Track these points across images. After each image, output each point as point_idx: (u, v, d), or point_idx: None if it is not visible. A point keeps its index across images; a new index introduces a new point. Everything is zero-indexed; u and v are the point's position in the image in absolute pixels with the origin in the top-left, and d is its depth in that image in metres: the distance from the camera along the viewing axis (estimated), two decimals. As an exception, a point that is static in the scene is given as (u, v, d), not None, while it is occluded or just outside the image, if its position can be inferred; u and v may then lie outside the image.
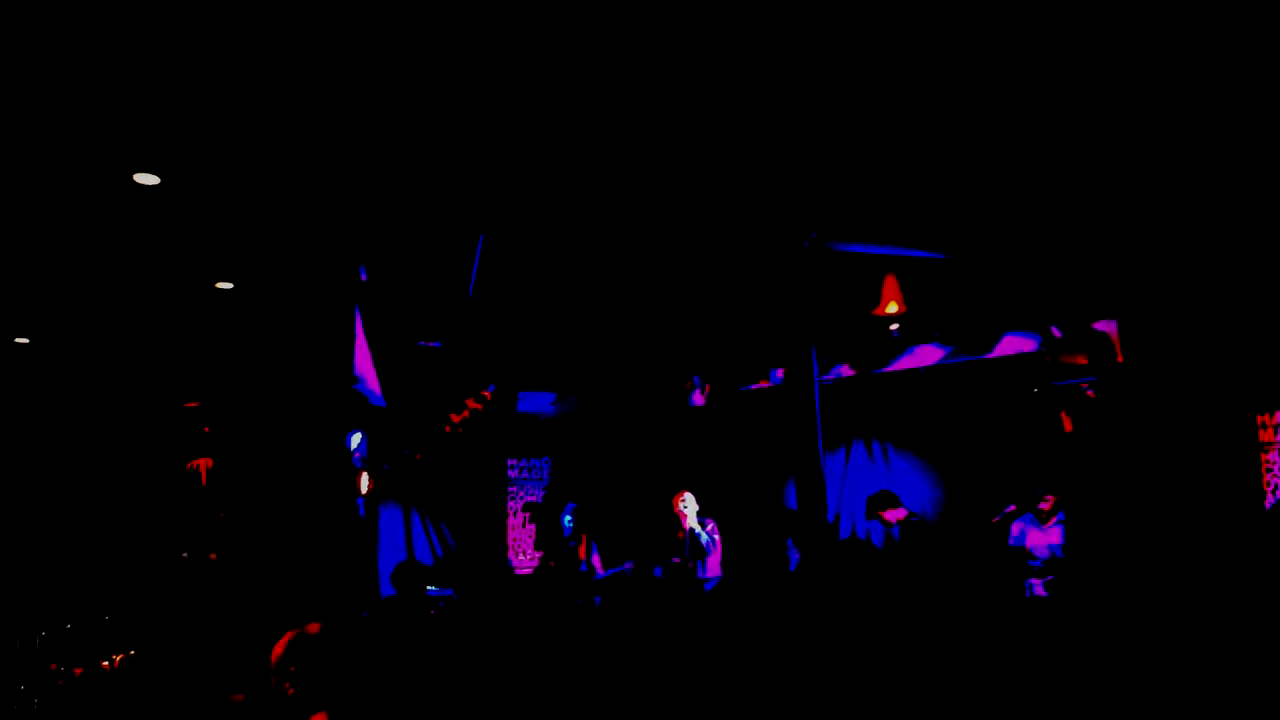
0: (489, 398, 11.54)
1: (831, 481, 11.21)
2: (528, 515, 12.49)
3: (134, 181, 6.67)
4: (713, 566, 9.63)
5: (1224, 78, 5.50)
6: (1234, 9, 4.92)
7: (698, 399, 11.82)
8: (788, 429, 7.84)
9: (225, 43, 5.13)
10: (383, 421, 9.12)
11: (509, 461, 12.54)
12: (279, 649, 4.04)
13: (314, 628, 4.04)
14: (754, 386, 11.59)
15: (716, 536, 9.85)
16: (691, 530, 9.66)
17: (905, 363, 10.58)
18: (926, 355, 10.50)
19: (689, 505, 9.81)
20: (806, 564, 7.24)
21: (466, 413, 11.61)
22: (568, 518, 10.10)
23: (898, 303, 9.48)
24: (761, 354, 11.06)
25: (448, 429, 11.59)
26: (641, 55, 5.31)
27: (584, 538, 9.98)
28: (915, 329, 10.04)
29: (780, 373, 10.94)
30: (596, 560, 10.09)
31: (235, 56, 5.27)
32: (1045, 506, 8.85)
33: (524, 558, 12.57)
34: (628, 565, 9.98)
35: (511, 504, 12.55)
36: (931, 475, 10.95)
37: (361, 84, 5.57)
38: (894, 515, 9.73)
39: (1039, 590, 8.71)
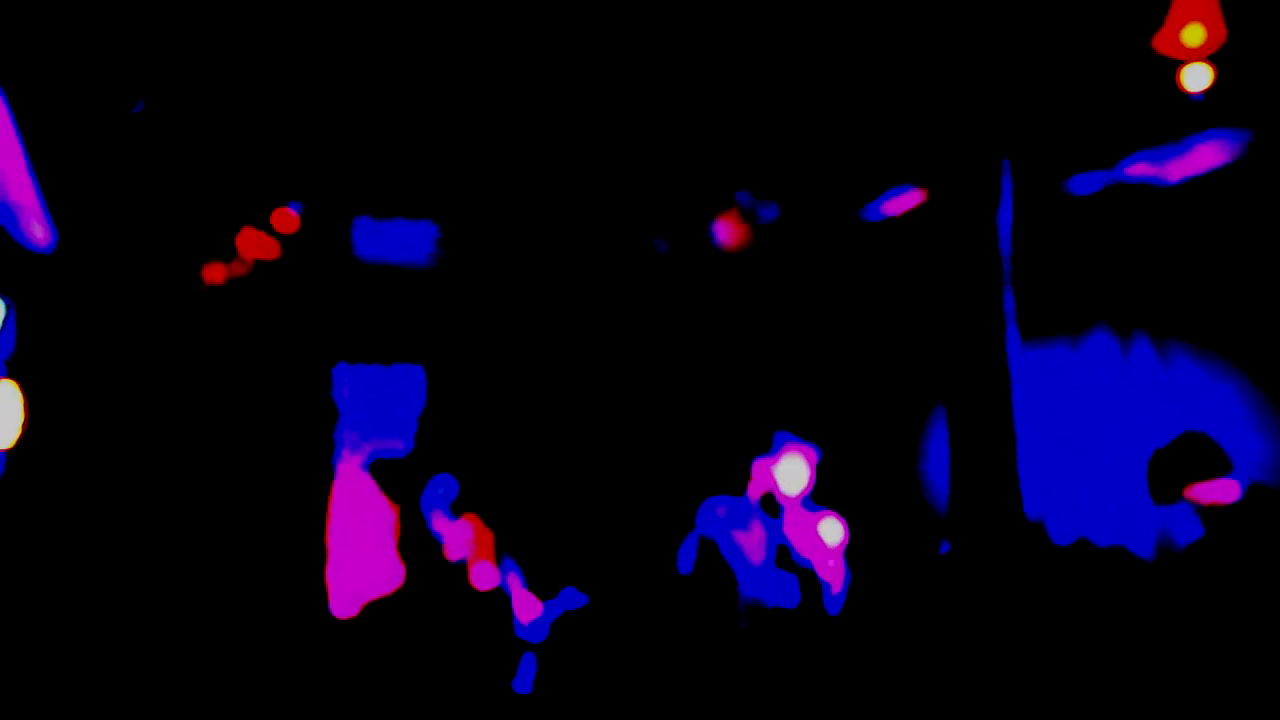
0: (292, 228, 6.94)
1: (1035, 417, 6.54)
2: (379, 487, 7.85)
3: None
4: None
5: None
6: None
7: (724, 234, 7.50)
8: (931, 307, 6.08)
9: None
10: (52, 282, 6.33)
11: (340, 372, 7.86)
12: None
13: None
14: (872, 213, 7.12)
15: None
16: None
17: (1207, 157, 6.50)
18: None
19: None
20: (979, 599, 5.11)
21: (243, 262, 6.96)
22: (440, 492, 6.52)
23: (1206, 25, 5.69)
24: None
25: (198, 297, 6.95)
26: None
27: (483, 532, 6.39)
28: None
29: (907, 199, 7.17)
30: (514, 584, 6.43)
31: None
32: None
33: (366, 579, 7.71)
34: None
35: (345, 459, 7.92)
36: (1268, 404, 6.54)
37: None
38: (1216, 491, 5.53)
39: None
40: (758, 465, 5.93)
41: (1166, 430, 6.57)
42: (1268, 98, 5.75)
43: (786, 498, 5.85)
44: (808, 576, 5.79)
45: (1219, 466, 5.58)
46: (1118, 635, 5.53)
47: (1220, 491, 5.61)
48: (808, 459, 6.02)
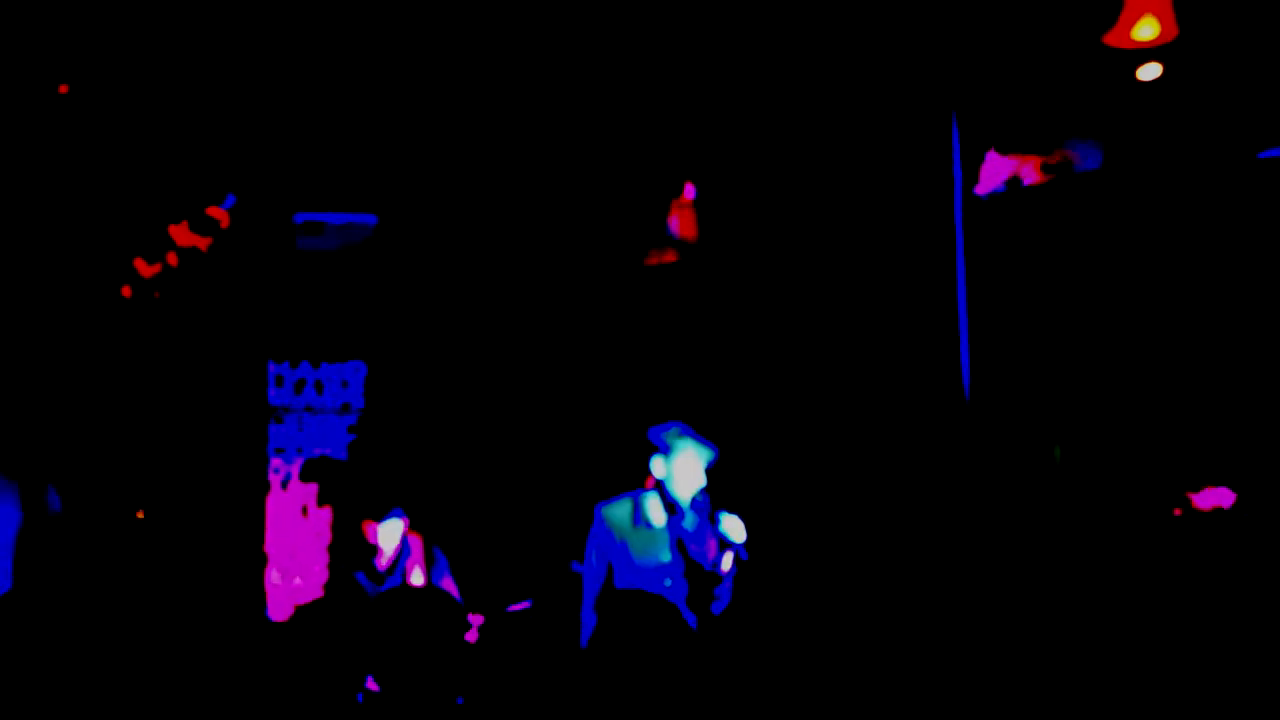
0: (223, 222, 6.68)
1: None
2: (313, 488, 7.66)
3: None
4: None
5: None
6: None
7: (677, 225, 7.11)
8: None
9: None
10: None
11: (273, 369, 7.71)
12: None
13: None
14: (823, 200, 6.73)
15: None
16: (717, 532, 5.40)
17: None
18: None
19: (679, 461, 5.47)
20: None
21: (172, 257, 6.70)
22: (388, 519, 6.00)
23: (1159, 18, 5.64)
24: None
25: (127, 292, 6.68)
26: None
27: (417, 541, 6.08)
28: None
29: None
30: (448, 586, 6.12)
31: None
32: None
33: (303, 580, 7.65)
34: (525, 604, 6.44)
35: (279, 462, 7.69)
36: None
37: None
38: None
39: None
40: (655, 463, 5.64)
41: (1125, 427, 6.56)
42: (1216, 90, 5.72)
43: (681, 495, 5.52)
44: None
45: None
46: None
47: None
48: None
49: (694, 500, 5.33)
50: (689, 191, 6.72)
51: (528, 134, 6.79)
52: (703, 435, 5.40)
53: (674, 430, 5.44)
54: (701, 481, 5.34)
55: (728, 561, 5.22)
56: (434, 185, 7.05)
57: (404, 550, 5.94)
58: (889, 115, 6.19)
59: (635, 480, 5.96)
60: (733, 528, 5.21)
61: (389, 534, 5.83)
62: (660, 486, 5.33)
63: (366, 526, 5.82)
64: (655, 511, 5.34)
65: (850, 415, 6.86)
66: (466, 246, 7.32)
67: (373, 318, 7.68)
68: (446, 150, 6.68)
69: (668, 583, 5.28)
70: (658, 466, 5.33)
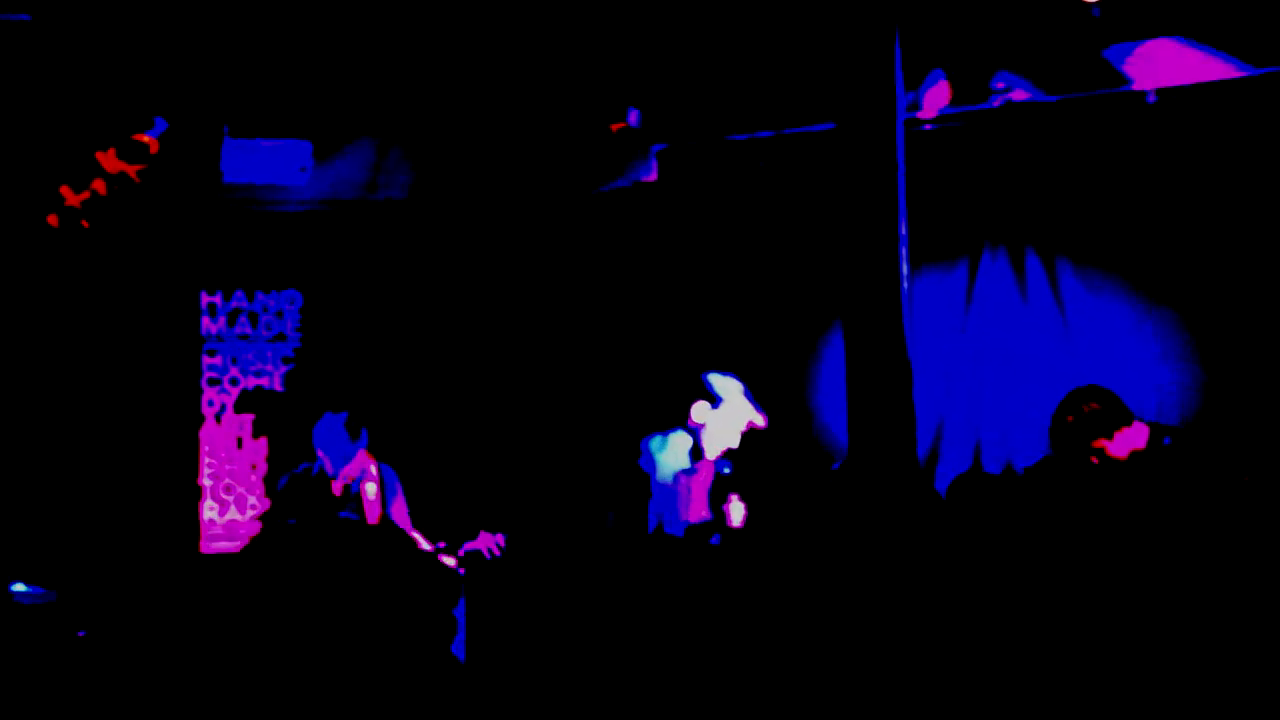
0: (151, 148, 6.49)
1: (932, 346, 6.41)
2: (250, 419, 7.57)
3: None
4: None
5: None
6: None
7: (634, 166, 7.00)
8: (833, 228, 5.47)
9: None
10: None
11: (206, 299, 7.58)
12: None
13: None
14: (764, 134, 6.75)
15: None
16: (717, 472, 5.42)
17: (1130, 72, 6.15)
18: (1167, 59, 6.06)
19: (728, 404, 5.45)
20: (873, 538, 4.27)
21: (100, 184, 6.49)
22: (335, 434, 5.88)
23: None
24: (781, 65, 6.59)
25: (54, 220, 6.46)
26: None
27: (371, 468, 5.86)
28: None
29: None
30: (399, 514, 5.94)
31: None
32: None
33: (239, 512, 7.54)
34: (484, 542, 5.79)
35: (213, 392, 7.59)
36: (1166, 334, 6.32)
37: None
38: (1126, 443, 5.31)
39: None
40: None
41: (1037, 357, 6.36)
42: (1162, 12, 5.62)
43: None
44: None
45: (1120, 414, 5.33)
46: (1009, 576, 5.41)
47: (1129, 442, 5.38)
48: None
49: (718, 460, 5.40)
50: (632, 118, 6.61)
51: (467, 55, 6.58)
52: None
53: (731, 381, 5.50)
54: (734, 444, 5.38)
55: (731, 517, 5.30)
56: (369, 107, 6.89)
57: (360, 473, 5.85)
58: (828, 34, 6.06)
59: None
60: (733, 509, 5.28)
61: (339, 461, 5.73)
62: (696, 432, 5.40)
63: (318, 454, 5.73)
64: (679, 452, 5.41)
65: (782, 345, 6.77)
66: (407, 170, 7.15)
67: (310, 246, 7.51)
68: (384, 72, 6.49)
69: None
70: (700, 411, 5.39)
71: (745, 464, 5.51)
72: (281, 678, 3.39)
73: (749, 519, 5.37)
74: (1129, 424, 5.29)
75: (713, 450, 5.34)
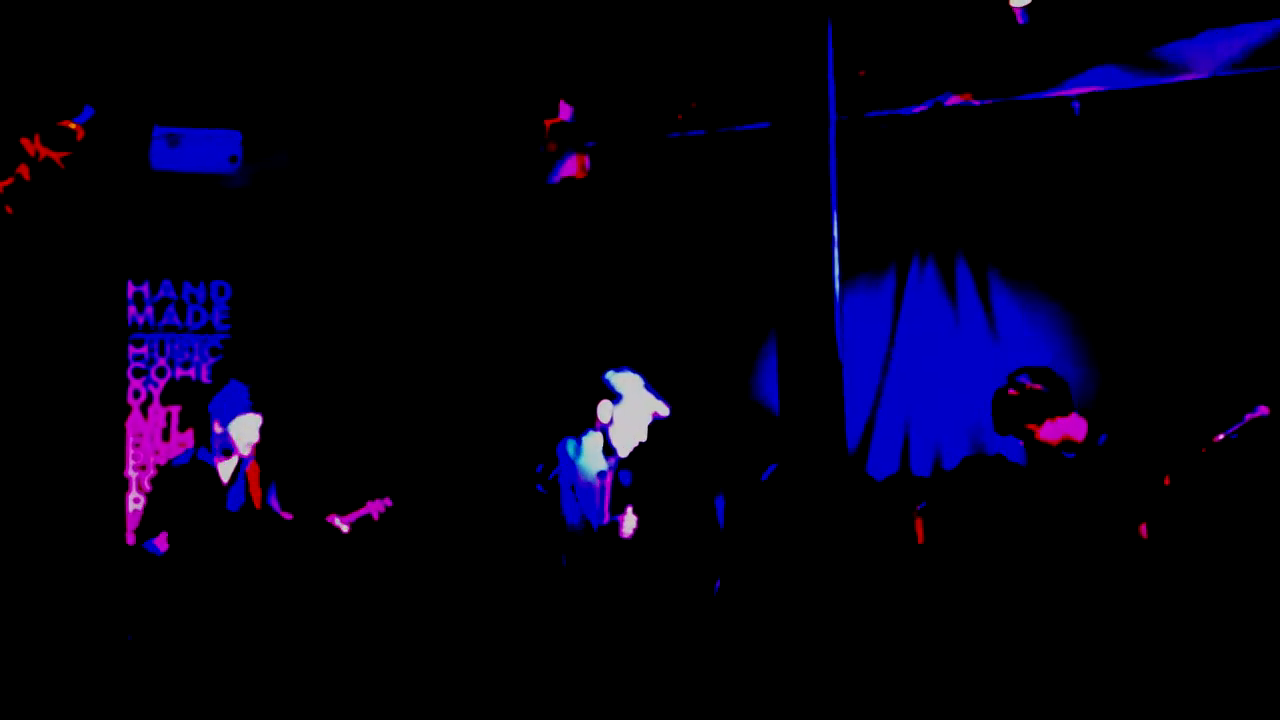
0: (78, 135, 6.26)
1: (864, 346, 6.47)
2: (177, 410, 7.44)
3: None
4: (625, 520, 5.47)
5: None
6: None
7: (565, 163, 6.84)
8: (766, 230, 5.12)
9: None
10: None
11: (133, 289, 7.37)
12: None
13: None
14: (694, 133, 6.60)
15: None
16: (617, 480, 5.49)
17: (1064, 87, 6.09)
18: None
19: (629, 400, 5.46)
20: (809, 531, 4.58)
21: (24, 170, 6.25)
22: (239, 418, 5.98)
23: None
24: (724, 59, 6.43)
25: None
26: None
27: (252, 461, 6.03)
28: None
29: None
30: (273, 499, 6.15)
31: None
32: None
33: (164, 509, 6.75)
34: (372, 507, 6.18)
35: (139, 383, 7.43)
36: (1073, 336, 6.35)
37: None
38: (1057, 431, 5.45)
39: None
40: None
41: (964, 358, 6.35)
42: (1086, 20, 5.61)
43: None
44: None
45: (1063, 401, 5.39)
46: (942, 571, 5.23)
47: (1066, 428, 5.46)
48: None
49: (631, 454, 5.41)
50: (564, 111, 6.53)
51: (399, 45, 6.49)
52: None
53: (629, 376, 5.47)
54: (643, 437, 5.38)
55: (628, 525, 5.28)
56: (300, 97, 6.79)
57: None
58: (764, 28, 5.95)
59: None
60: (626, 521, 5.30)
61: (245, 428, 5.83)
62: (604, 431, 5.38)
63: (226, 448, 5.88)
64: (594, 453, 5.38)
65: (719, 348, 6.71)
66: (338, 161, 7.07)
67: (239, 236, 7.34)
68: (312, 59, 6.37)
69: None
70: (604, 410, 5.36)
71: (646, 473, 5.56)
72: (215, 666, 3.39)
73: (642, 528, 5.44)
74: (1065, 414, 5.37)
75: (624, 446, 5.35)
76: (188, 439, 7.21)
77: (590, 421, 5.38)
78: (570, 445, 5.36)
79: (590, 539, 5.34)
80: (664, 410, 5.37)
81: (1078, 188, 6.09)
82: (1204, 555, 5.13)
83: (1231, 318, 5.76)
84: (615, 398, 5.31)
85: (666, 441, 5.91)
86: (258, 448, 5.91)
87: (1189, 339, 5.84)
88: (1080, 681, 4.54)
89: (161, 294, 7.31)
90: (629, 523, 5.24)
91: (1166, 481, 5.24)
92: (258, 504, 6.02)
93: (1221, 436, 5.14)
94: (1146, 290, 5.95)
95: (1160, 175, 5.88)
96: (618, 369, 5.42)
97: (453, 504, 6.60)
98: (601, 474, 5.35)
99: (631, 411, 5.33)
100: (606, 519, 5.39)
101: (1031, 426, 5.29)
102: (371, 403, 7.09)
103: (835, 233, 5.56)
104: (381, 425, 7.02)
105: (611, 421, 5.32)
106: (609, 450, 5.35)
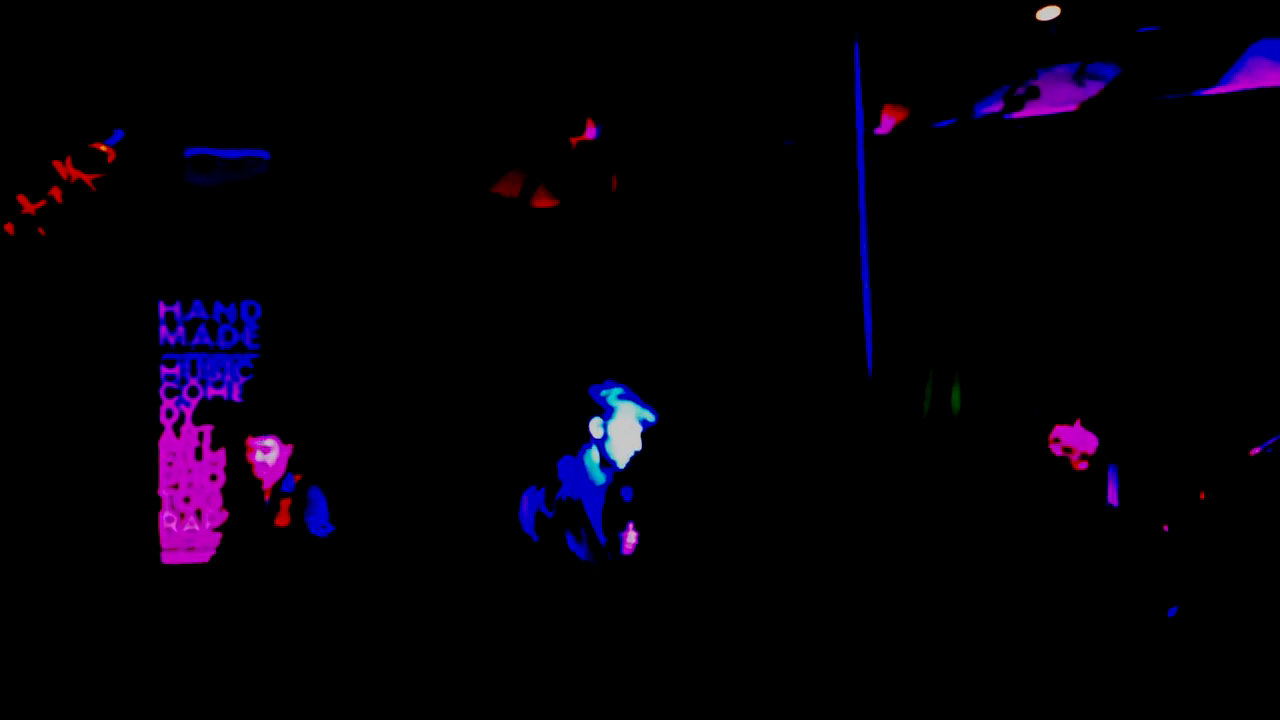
0: (109, 157, 6.34)
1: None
2: (209, 430, 7.33)
3: None
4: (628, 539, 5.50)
5: None
6: None
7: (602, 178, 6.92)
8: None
9: None
10: None
11: (164, 309, 7.31)
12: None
13: None
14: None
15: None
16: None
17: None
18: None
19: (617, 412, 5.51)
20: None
21: (58, 192, 6.32)
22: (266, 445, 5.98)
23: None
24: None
25: (10, 229, 6.30)
26: None
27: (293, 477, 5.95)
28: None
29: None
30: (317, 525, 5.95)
31: None
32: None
33: (198, 523, 7.25)
34: None
35: (171, 403, 7.35)
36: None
37: None
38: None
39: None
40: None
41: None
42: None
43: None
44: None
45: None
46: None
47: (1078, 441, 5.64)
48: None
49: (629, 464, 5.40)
50: (590, 131, 6.53)
51: (426, 68, 6.51)
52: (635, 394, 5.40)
53: (615, 391, 5.48)
54: (638, 445, 5.37)
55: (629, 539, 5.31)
56: (329, 118, 6.78)
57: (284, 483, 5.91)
58: (792, 49, 5.98)
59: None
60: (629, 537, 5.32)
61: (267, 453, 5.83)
62: (599, 445, 5.38)
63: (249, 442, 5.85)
64: (593, 469, 5.38)
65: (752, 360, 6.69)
66: (365, 183, 7.03)
67: (269, 256, 7.32)
68: (341, 81, 6.38)
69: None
70: (595, 426, 5.37)
71: (646, 490, 5.56)
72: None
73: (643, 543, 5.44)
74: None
75: (621, 458, 5.38)
76: (219, 458, 7.27)
77: (586, 438, 5.44)
78: (570, 463, 5.39)
79: (595, 556, 5.34)
80: (650, 417, 5.41)
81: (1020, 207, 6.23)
82: (1244, 568, 5.14)
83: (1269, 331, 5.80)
84: (605, 412, 5.36)
85: (669, 449, 5.84)
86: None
87: (1221, 351, 5.85)
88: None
89: (193, 314, 7.32)
90: (631, 538, 5.27)
91: (1202, 496, 5.27)
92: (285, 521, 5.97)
93: (1258, 450, 5.12)
94: (1175, 302, 5.98)
95: (1158, 181, 5.99)
96: (600, 383, 5.45)
97: (465, 516, 6.59)
98: (601, 489, 5.39)
99: (622, 424, 5.38)
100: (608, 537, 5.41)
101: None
102: (388, 421, 7.11)
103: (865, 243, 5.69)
104: (397, 443, 7.06)
105: (605, 436, 5.37)
106: (606, 464, 5.39)
